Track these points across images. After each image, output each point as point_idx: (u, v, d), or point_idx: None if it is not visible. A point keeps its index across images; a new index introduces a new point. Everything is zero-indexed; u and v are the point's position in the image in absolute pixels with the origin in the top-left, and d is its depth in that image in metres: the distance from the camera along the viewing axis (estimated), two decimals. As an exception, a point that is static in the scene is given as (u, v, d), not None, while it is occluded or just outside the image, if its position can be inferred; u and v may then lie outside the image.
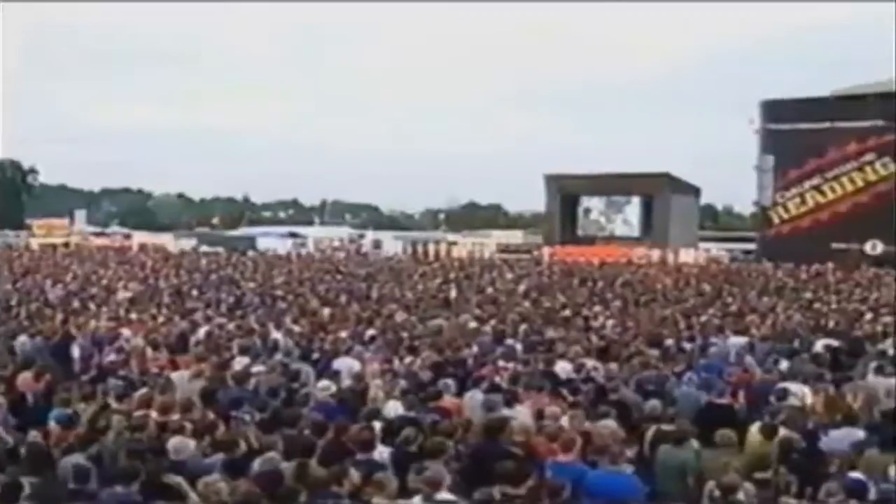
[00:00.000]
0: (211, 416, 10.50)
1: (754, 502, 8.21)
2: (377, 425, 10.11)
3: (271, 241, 70.45)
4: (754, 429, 10.55)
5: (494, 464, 8.40)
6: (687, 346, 17.23)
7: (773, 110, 57.50)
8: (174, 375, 13.39)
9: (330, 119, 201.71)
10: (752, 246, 61.26)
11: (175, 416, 10.31)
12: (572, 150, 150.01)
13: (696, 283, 36.73)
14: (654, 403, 11.21)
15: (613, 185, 65.10)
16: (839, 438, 10.48)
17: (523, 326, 19.95)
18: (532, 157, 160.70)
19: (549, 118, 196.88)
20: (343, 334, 18.03)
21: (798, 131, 55.98)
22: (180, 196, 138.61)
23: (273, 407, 11.10)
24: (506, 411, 10.82)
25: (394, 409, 11.21)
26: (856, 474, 8.36)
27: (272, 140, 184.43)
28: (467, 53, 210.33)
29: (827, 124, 55.33)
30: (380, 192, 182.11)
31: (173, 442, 9.12)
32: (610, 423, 10.36)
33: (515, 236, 77.30)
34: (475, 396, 11.96)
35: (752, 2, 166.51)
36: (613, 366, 14.46)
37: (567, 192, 66.33)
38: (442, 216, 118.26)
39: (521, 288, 33.04)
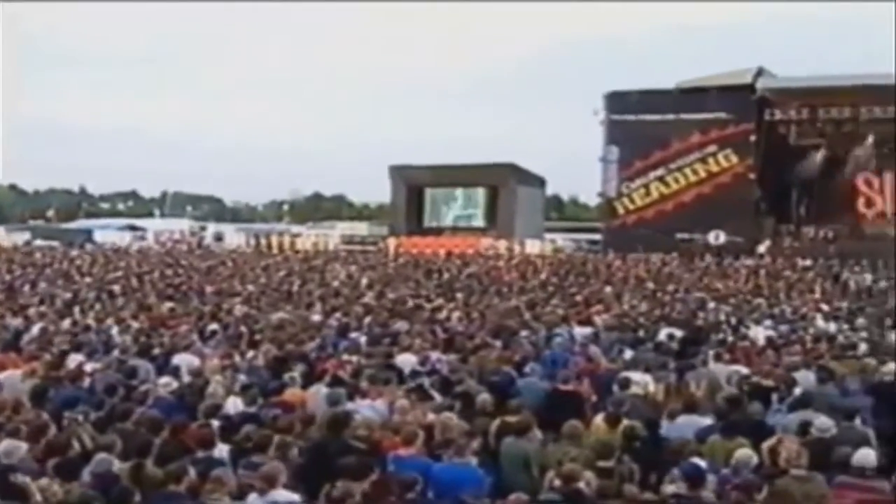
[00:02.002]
0: (44, 416, 10.18)
1: (595, 492, 8.39)
2: (216, 423, 10.00)
3: (109, 234, 68.75)
4: (598, 418, 10.83)
5: (337, 459, 8.41)
6: (532, 336, 17.49)
7: (618, 102, 58.20)
8: (3, 375, 12.97)
9: (172, 110, 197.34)
10: (597, 237, 62.28)
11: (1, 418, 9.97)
12: (417, 141, 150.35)
13: (541, 273, 37.33)
14: (485, 397, 11.35)
15: (459, 176, 65.58)
16: (681, 426, 10.85)
17: (367, 319, 20.00)
18: (377, 147, 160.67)
19: (395, 108, 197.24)
20: (183, 329, 17.76)
21: (642, 123, 56.90)
22: (12, 188, 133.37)
23: (110, 405, 10.86)
24: (349, 405, 10.83)
25: (234, 405, 11.10)
26: (695, 461, 8.63)
27: (110, 130, 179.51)
28: (311, 43, 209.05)
29: (671, 116, 56.41)
30: (222, 184, 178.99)
31: (4, 445, 8.81)
32: (454, 416, 10.45)
33: (360, 228, 77.11)
34: (318, 391, 11.94)
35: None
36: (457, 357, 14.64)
37: (412, 183, 66.53)
38: (285, 208, 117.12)
39: (366, 280, 33.14)
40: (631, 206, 58.27)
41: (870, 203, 58.46)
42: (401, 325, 18.77)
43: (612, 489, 8.42)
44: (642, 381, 12.97)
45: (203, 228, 75.63)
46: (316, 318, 20.45)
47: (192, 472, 8.08)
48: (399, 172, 66.81)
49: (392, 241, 61.11)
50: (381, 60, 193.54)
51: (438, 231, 64.56)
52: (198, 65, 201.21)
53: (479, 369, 13.68)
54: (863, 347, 16.75)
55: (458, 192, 66.73)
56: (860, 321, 21.53)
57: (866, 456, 8.84)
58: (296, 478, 8.42)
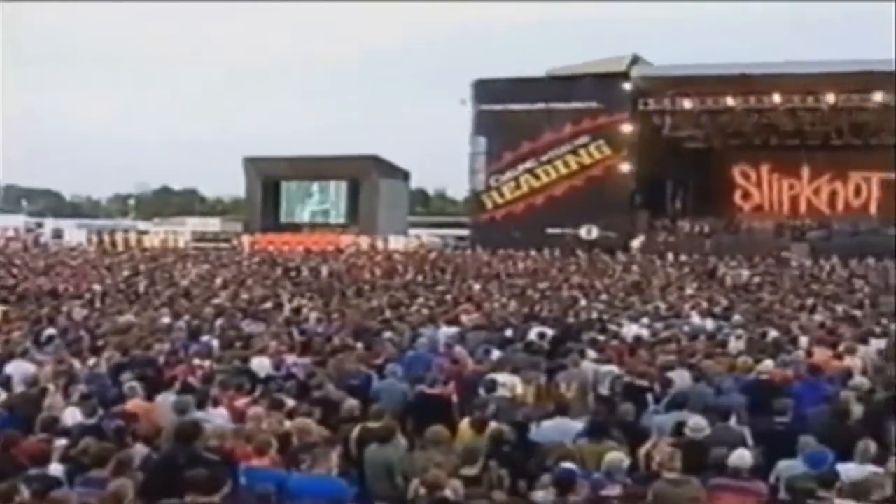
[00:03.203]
0: None
1: (463, 499, 8.45)
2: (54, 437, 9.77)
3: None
4: (465, 423, 10.91)
5: (185, 471, 8.28)
6: (395, 337, 17.52)
7: (486, 90, 58.25)
8: None
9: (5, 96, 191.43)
10: (465, 232, 62.64)
11: None
12: (274, 132, 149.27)
13: (406, 271, 37.43)
14: (352, 403, 11.36)
15: (318, 169, 65.27)
16: (552, 429, 11.00)
17: (220, 321, 19.81)
18: (231, 138, 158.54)
19: (250, 98, 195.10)
20: (16, 334, 17.29)
21: (512, 112, 57.02)
22: None
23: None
24: (199, 414, 10.68)
25: (72, 416, 10.85)
26: (566, 465, 8.74)
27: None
28: (160, 28, 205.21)
29: (541, 105, 56.68)
30: (61, 177, 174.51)
31: None
32: (312, 423, 10.41)
33: (213, 224, 76.30)
34: (166, 399, 11.75)
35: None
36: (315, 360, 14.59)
37: (268, 176, 66.01)
38: (131, 202, 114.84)
39: (219, 280, 32.79)
40: (500, 200, 58.31)
41: (747, 196, 60.27)
42: (256, 327, 18.65)
43: (479, 496, 8.47)
44: (510, 383, 13.09)
45: (40, 225, 74.02)
46: (164, 320, 20.13)
47: (25, 492, 7.86)
48: (254, 165, 66.21)
49: (247, 238, 60.70)
50: (237, 46, 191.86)
51: (296, 227, 64.25)
52: (39, 51, 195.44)
53: (337, 372, 13.64)
54: (739, 345, 17.17)
55: (317, 185, 66.41)
56: (736, 318, 22.11)
57: (741, 457, 9.09)
58: (141, 493, 8.27)
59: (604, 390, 14.19)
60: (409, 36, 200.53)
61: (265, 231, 62.83)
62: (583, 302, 25.82)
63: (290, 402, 11.56)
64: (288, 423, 10.47)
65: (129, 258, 45.19)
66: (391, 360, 14.69)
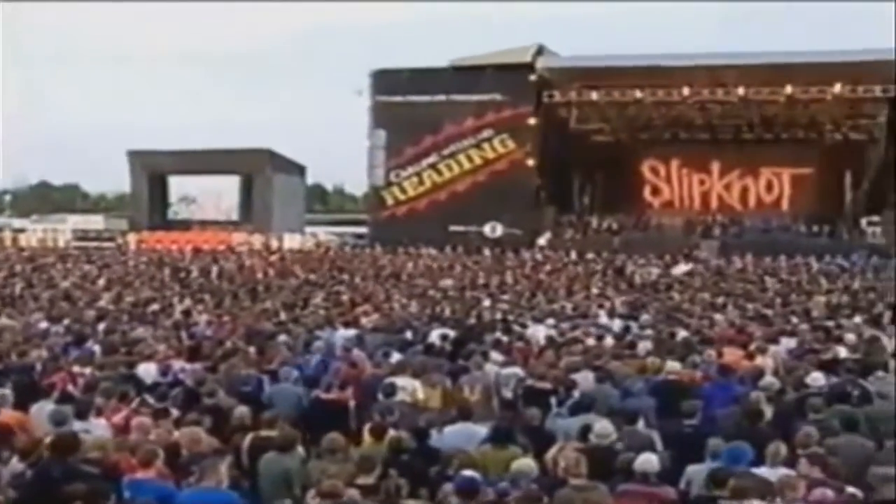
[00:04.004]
0: None
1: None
2: None
3: None
4: (366, 430, 10.88)
5: (64, 486, 8.13)
6: (290, 341, 17.42)
7: (385, 81, 58.09)
8: None
9: None
10: (364, 230, 62.58)
11: None
12: (161, 124, 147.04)
13: (301, 271, 37.30)
14: (243, 410, 11.27)
15: (208, 163, 64.32)
16: (455, 435, 11.01)
17: (103, 325, 19.52)
18: (115, 130, 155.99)
19: (136, 86, 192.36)
20: None
21: (412, 104, 56.89)
22: None
23: None
24: (78, 424, 10.49)
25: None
26: (469, 473, 8.75)
27: None
28: (41, 14, 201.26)
29: (443, 97, 56.81)
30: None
31: None
32: (202, 432, 10.29)
33: (96, 221, 74.89)
34: (43, 409, 11.52)
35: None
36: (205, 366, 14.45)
37: (155, 171, 65.14)
38: (7, 198, 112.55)
39: (102, 281, 32.35)
40: (401, 197, 58.32)
41: (656, 191, 61.04)
42: (142, 331, 18.41)
43: (380, 506, 8.46)
44: (410, 387, 13.12)
45: None
46: (42, 324, 19.77)
47: None
48: (139, 158, 65.30)
49: (132, 237, 60.01)
50: (124, 36, 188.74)
51: (185, 225, 63.52)
52: None
53: (228, 378, 13.52)
54: (648, 345, 17.36)
55: (208, 181, 65.63)
56: (645, 317, 22.37)
57: (648, 461, 9.19)
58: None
59: (508, 394, 14.27)
60: (306, 25, 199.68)
61: (152, 229, 62.07)
62: (486, 302, 25.97)
63: (179, 411, 11.44)
64: (176, 433, 10.34)
65: (5, 258, 44.41)
66: (285, 365, 14.60)
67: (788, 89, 52.12)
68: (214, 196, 65.63)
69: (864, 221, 53.83)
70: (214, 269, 37.33)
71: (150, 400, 12.19)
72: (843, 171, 57.52)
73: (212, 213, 65.39)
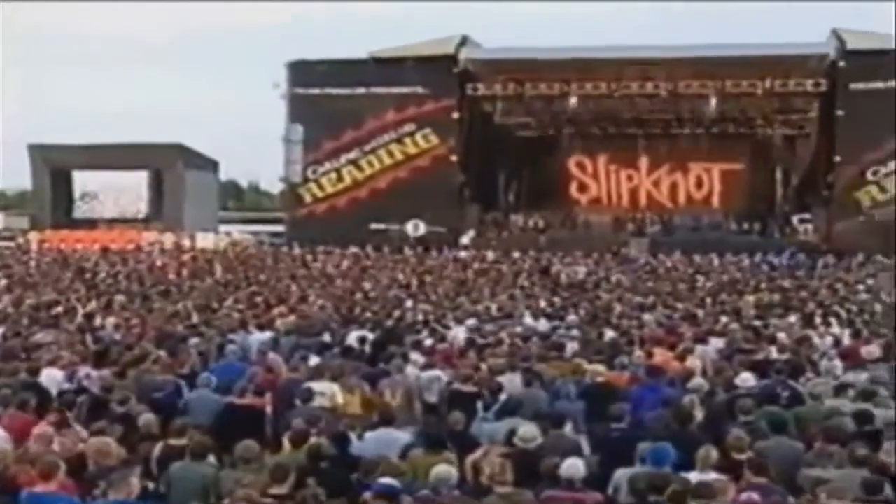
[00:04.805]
0: None
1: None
2: None
3: None
4: (285, 437, 10.83)
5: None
6: (203, 344, 17.29)
7: (302, 73, 57.70)
8: None
9: None
10: (281, 228, 61.99)
11: None
12: (65, 117, 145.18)
13: (215, 271, 37.08)
14: (149, 417, 11.17)
15: (116, 158, 63.40)
16: (376, 441, 11.01)
17: (1, 329, 19.29)
18: (14, 122, 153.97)
19: (35, 77, 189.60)
20: None
21: (331, 97, 56.60)
22: None
23: None
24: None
25: None
26: (388, 480, 8.73)
27: None
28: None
29: (363, 90, 56.47)
30: None
31: None
32: (111, 443, 10.16)
33: (-6, 219, 74.02)
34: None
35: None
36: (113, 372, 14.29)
37: (58, 166, 64.14)
38: None
39: (2, 282, 31.86)
40: (319, 194, 57.92)
41: (583, 188, 61.36)
42: (44, 336, 18.15)
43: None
44: (329, 392, 13.10)
45: None
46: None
47: None
48: (41, 153, 64.27)
49: (34, 236, 58.96)
50: (27, 23, 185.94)
51: (91, 223, 62.71)
52: None
53: (138, 385, 13.38)
54: (575, 346, 17.46)
55: (115, 176, 64.81)
56: (572, 318, 22.49)
57: (574, 466, 9.25)
58: None
59: (431, 398, 14.29)
60: (221, 15, 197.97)
61: (56, 227, 61.11)
62: (408, 303, 25.96)
63: (84, 420, 11.31)
64: (82, 444, 10.22)
65: None
66: (199, 370, 14.49)
67: (719, 84, 52.77)
68: (122, 193, 64.74)
69: (795, 219, 54.71)
70: (123, 270, 36.90)
71: (54, 408, 12.04)
72: (774, 167, 58.62)
73: (120, 210, 64.55)
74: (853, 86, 50.77)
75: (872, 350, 16.88)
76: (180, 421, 11.05)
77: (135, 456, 10.07)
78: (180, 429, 10.68)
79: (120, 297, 26.43)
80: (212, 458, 10.19)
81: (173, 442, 10.36)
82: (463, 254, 48.27)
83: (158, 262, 41.99)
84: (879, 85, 50.38)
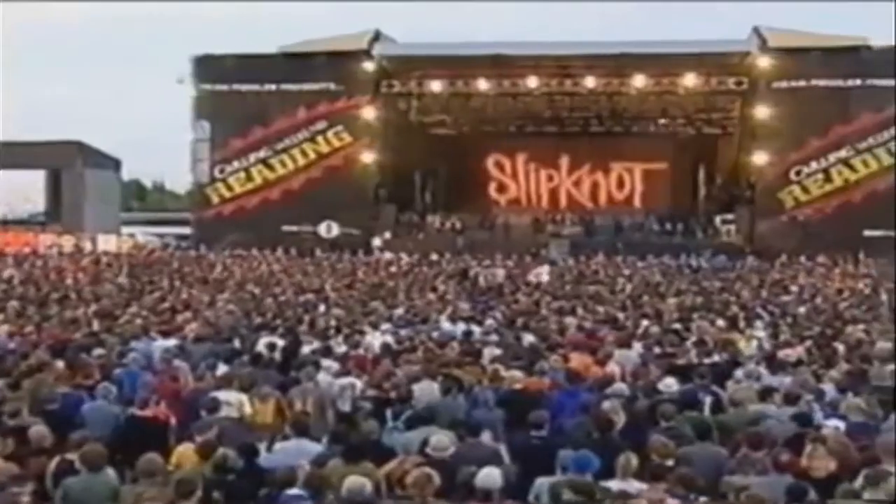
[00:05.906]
0: None
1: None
2: None
3: None
4: (188, 448, 10.70)
5: None
6: (103, 352, 17.02)
7: (209, 68, 57.28)
8: None
9: None
10: (187, 230, 61.65)
11: None
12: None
13: (117, 275, 36.69)
14: (40, 430, 10.93)
15: (10, 156, 62.35)
16: (286, 452, 10.91)
17: None
18: None
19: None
20: None
21: (239, 94, 56.38)
22: None
23: None
24: None
25: None
26: (298, 492, 8.66)
27: None
28: None
29: (272, 87, 56.29)
30: None
31: None
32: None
33: None
34: None
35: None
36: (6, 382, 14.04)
37: (-52, 165, 63.22)
38: None
39: None
40: (228, 194, 57.51)
41: (502, 188, 61.60)
42: (-69, 346, 17.80)
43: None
44: (237, 402, 12.98)
45: None
46: None
47: None
48: (-69, 151, 63.25)
49: (-78, 240, 58.01)
50: None
51: (-17, 226, 61.77)
52: None
53: (33, 396, 13.13)
54: (493, 352, 17.44)
55: (9, 175, 63.79)
56: (490, 322, 22.48)
57: (490, 476, 9.18)
58: None
59: (345, 406, 14.21)
60: (124, 6, 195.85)
61: (-54, 230, 60.25)
62: (320, 308, 25.83)
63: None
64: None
65: None
66: (100, 379, 14.26)
67: (639, 81, 53.23)
68: (17, 193, 63.75)
69: (718, 219, 55.31)
70: (17, 274, 36.33)
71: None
72: (696, 166, 59.17)
73: (15, 211, 63.56)
74: (776, 84, 51.53)
75: (795, 353, 17.10)
76: (79, 434, 10.83)
77: (26, 471, 9.85)
78: (78, 442, 10.47)
79: (14, 303, 25.99)
80: (110, 471, 10.01)
81: (71, 456, 10.16)
82: (383, 255, 48.22)
83: (56, 266, 41.44)
84: (802, 83, 51.20)
